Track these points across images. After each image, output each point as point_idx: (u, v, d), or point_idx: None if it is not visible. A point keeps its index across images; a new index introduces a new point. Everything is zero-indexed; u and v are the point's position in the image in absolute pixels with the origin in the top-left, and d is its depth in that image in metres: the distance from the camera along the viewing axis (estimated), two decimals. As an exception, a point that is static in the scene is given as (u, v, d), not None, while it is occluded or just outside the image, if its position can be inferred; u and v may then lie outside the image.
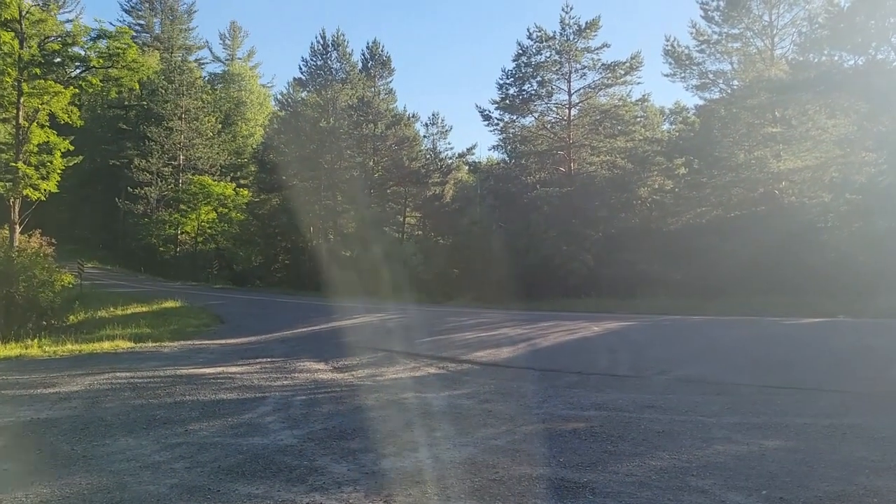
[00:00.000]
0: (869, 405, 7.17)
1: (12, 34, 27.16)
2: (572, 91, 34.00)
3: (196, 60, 75.57)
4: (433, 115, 53.87)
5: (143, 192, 53.45)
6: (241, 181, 56.12)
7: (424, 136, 48.04)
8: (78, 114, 30.79)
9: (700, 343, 12.50)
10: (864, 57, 23.45)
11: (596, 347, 12.07)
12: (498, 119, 36.68)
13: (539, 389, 8.37)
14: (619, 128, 33.82)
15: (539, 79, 33.98)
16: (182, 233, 53.44)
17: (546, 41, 33.23)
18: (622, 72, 32.85)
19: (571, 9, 32.70)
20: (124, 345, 14.58)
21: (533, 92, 34.47)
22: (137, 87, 41.48)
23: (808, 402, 7.31)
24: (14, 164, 27.39)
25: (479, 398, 7.95)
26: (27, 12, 28.45)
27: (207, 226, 51.62)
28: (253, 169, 56.25)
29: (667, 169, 30.51)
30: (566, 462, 5.19)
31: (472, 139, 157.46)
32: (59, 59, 29.55)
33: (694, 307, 20.18)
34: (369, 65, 51.36)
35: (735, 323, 15.21)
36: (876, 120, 23.23)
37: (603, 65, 33.02)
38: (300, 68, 51.68)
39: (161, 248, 54.30)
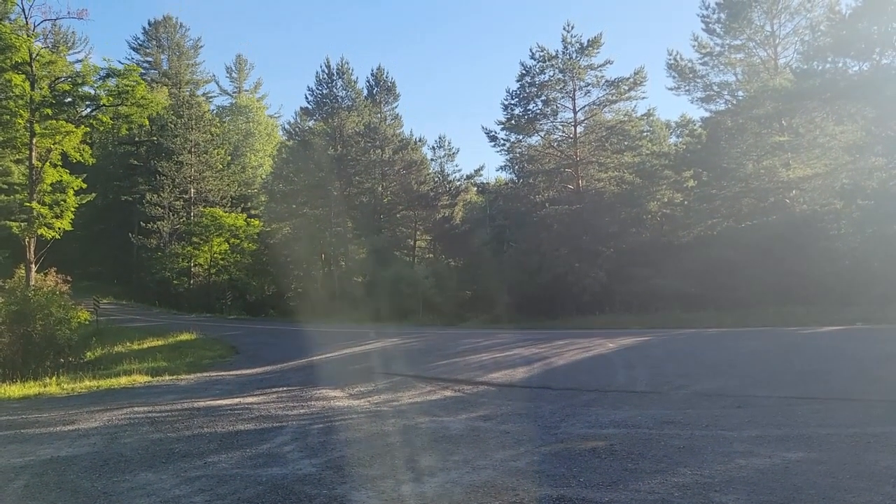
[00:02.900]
0: (892, 413, 7.06)
1: (23, 77, 27.73)
2: (577, 108, 34.23)
3: (204, 94, 76.74)
4: (440, 138, 54.32)
5: (155, 226, 53.96)
6: (252, 212, 56.59)
7: (432, 160, 48.48)
8: (90, 152, 31.30)
9: (717, 356, 12.37)
10: (869, 63, 23.44)
11: (612, 364, 11.96)
12: (504, 139, 36.96)
13: (556, 409, 8.31)
14: (625, 143, 33.94)
15: (544, 98, 34.20)
16: (195, 265, 53.78)
17: (549, 60, 33.48)
18: (626, 87, 33.02)
19: (573, 27, 32.98)
20: (141, 379, 14.64)
21: (538, 111, 34.69)
22: (147, 123, 41.99)
23: (830, 412, 7.20)
24: (28, 204, 27.83)
25: (496, 420, 7.91)
26: (37, 55, 29.08)
27: (220, 257, 51.95)
28: (263, 199, 56.72)
29: (675, 182, 30.47)
30: (587, 482, 5.14)
31: (480, 160, 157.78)
32: (69, 99, 30.12)
33: (709, 320, 20.03)
34: (374, 91, 51.86)
35: (751, 334, 15.08)
36: (884, 125, 23.16)
37: (607, 81, 33.27)
38: (306, 97, 52.25)
39: (175, 281, 54.57)
